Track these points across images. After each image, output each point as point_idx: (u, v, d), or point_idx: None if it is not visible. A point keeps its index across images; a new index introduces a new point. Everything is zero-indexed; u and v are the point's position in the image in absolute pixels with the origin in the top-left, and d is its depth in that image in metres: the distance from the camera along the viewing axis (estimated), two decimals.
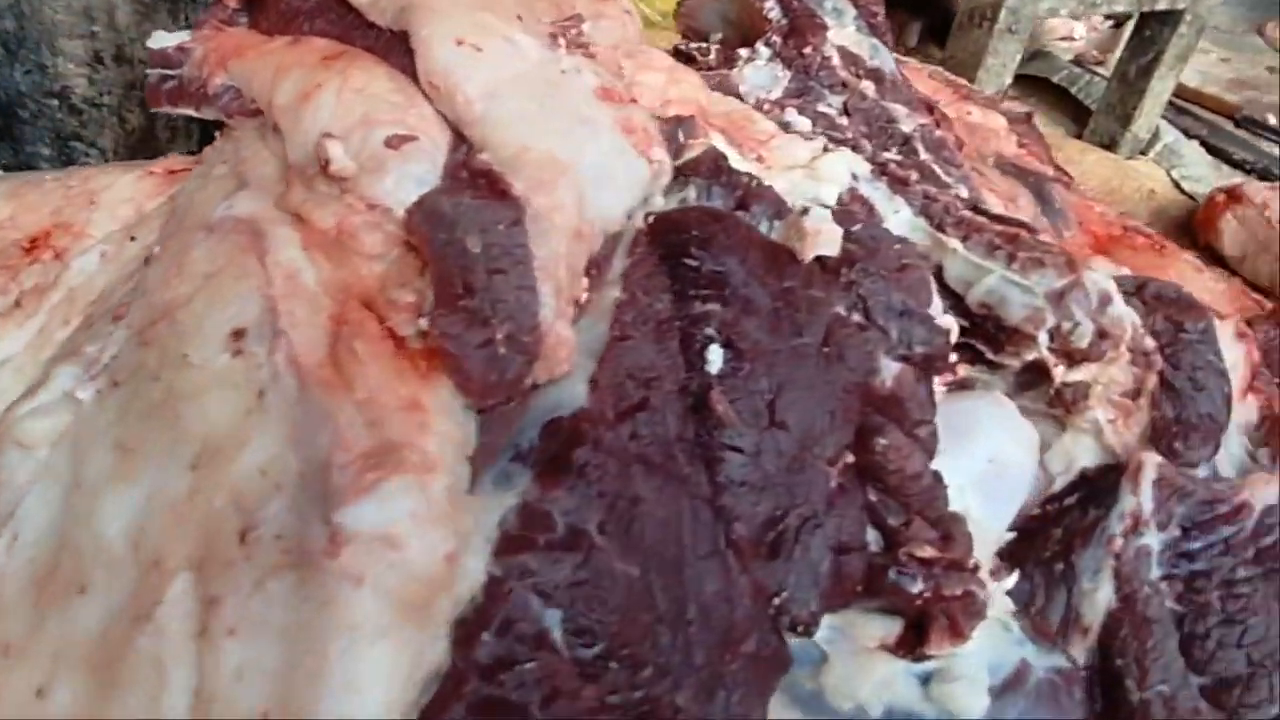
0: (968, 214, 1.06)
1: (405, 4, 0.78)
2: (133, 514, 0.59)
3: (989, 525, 0.90)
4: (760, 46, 1.30)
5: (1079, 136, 2.22)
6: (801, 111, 1.19)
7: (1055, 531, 0.99)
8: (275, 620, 0.54)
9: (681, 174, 0.91)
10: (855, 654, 0.83)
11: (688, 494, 0.71)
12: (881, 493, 0.83)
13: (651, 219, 0.84)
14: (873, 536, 0.83)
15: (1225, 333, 1.08)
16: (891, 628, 0.84)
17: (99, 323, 0.75)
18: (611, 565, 0.63)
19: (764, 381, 0.77)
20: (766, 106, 1.20)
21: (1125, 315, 0.97)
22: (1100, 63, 2.53)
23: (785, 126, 1.17)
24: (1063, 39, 2.72)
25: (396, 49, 0.78)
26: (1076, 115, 2.33)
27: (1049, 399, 1.02)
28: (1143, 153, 2.16)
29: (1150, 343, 0.99)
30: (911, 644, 0.82)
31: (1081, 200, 1.50)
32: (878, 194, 1.09)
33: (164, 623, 0.55)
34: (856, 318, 0.87)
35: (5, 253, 0.82)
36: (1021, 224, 1.08)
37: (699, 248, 0.82)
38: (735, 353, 0.77)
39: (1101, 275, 0.98)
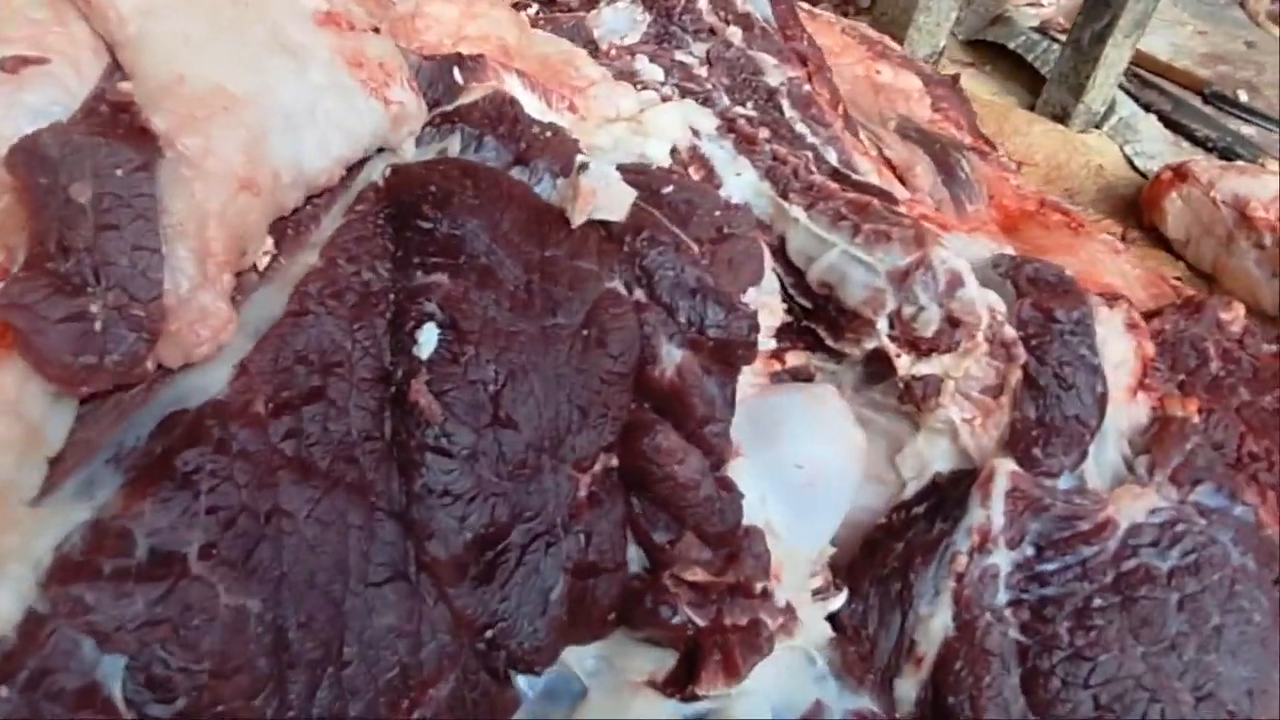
0: (819, 179, 0.93)
1: None
2: None
3: (799, 541, 0.77)
4: None
5: (1032, 108, 2.07)
6: (654, 59, 1.05)
7: (897, 546, 0.86)
8: None
9: (448, 121, 0.77)
10: (618, 689, 0.70)
11: (366, 505, 0.58)
12: (649, 503, 0.69)
13: (389, 172, 0.71)
14: (636, 555, 0.70)
15: (1113, 322, 0.94)
16: (663, 661, 0.71)
17: None
18: (212, 599, 0.50)
19: (490, 369, 0.64)
20: (614, 53, 1.06)
21: (979, 300, 0.83)
22: (1065, 30, 2.37)
23: (631, 75, 1.03)
24: (1030, 3, 2.56)
25: None
26: (1034, 85, 2.18)
27: (899, 394, 0.89)
28: (1097, 126, 2.01)
29: (1011, 333, 0.85)
30: (681, 681, 0.70)
31: (997, 173, 1.35)
32: (720, 153, 0.95)
33: None
34: (639, 294, 0.73)
35: None
36: (880, 192, 0.94)
37: (435, 207, 0.68)
38: (457, 334, 0.64)
39: (952, 254, 0.84)
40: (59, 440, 0.52)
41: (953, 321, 0.83)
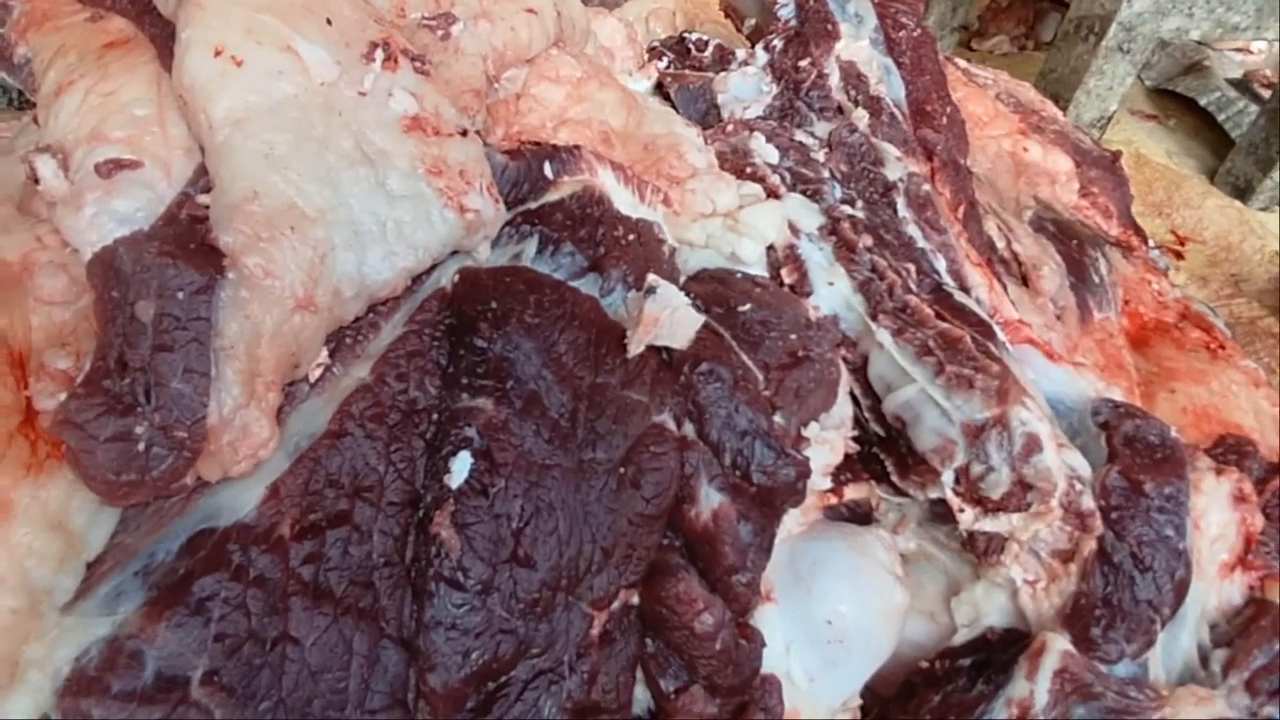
0: (914, 301, 0.89)
1: None
2: None
3: (820, 694, 0.76)
4: (759, 51, 1.13)
5: (1213, 176, 1.91)
6: (772, 138, 1.02)
7: (933, 697, 0.83)
8: None
9: (528, 221, 0.77)
10: None
11: (374, 631, 0.60)
12: (663, 646, 0.69)
13: (456, 279, 0.72)
14: (644, 695, 0.70)
15: (1218, 493, 0.87)
16: None
17: None
18: None
19: (517, 504, 0.64)
20: (732, 127, 1.03)
21: (1056, 468, 0.78)
22: (1271, 86, 2.17)
23: (745, 154, 1.00)
24: (1238, 49, 2.35)
25: (171, 46, 0.67)
26: (1219, 149, 2.01)
27: (963, 541, 0.85)
28: None
29: (1090, 503, 0.80)
30: None
31: (1140, 274, 1.26)
32: (817, 256, 0.92)
33: None
34: (688, 429, 0.72)
35: None
36: (978, 321, 0.89)
37: (493, 326, 0.69)
38: (489, 465, 0.65)
39: (1034, 416, 0.79)
40: (99, 544, 0.56)
41: (1024, 486, 0.79)
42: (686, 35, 1.23)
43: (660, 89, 1.14)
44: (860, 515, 0.86)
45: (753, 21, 1.35)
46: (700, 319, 0.74)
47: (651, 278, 0.74)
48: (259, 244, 0.59)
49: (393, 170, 0.67)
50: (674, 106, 1.10)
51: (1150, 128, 2.01)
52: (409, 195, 0.67)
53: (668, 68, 1.16)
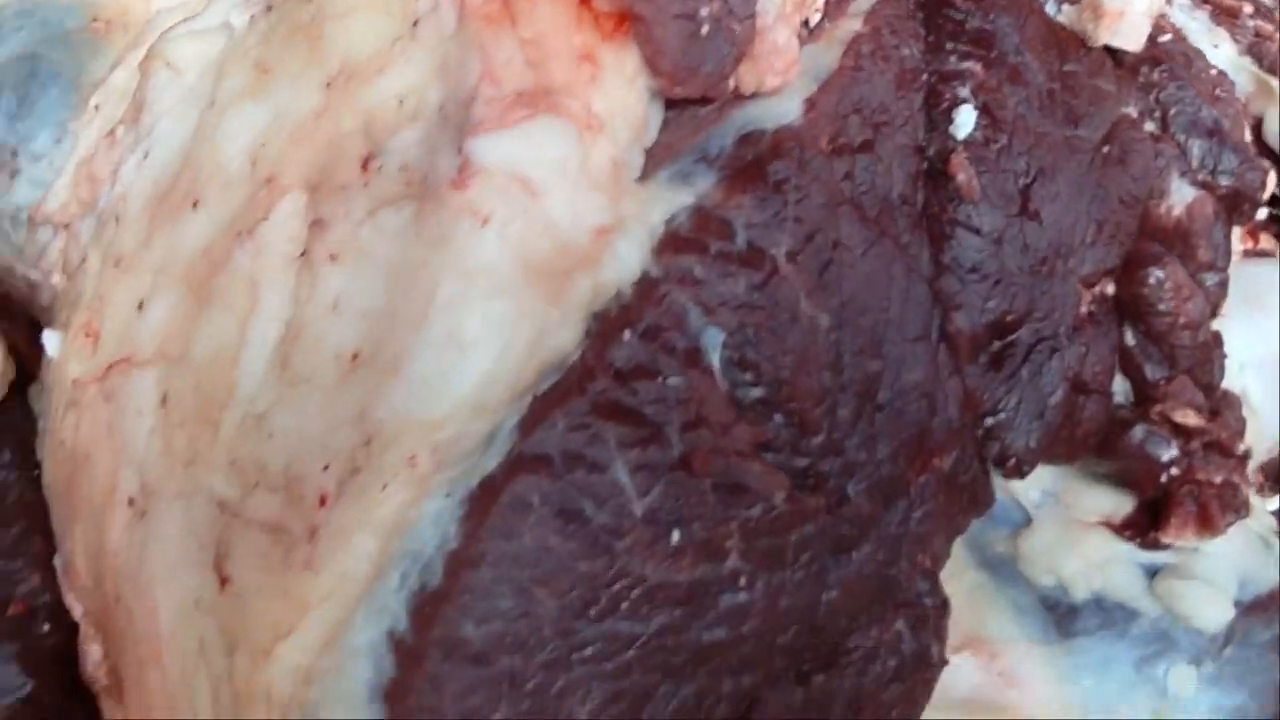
0: None
1: None
2: (257, 131, 0.51)
3: (1266, 421, 0.72)
4: None
5: None
6: None
7: None
8: (382, 254, 0.45)
9: None
10: (1067, 525, 0.67)
11: (905, 262, 0.58)
12: (1143, 336, 0.66)
13: None
14: (1121, 388, 0.67)
15: None
16: (1119, 504, 0.68)
17: None
18: (795, 301, 0.51)
19: (1021, 162, 0.62)
20: None
21: None
22: None
23: None
24: None
25: None
26: None
27: None
28: None
29: None
30: (1143, 526, 0.66)
31: None
32: (1193, 24, 0.88)
33: (266, 240, 0.47)
34: (1150, 127, 0.69)
35: None
36: None
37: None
38: (991, 121, 0.62)
39: None
40: (653, 136, 0.54)
41: None
42: None
43: None
44: None
45: None
46: (1149, 25, 0.71)
47: None
48: None
49: None
50: None
51: None
52: None
53: None
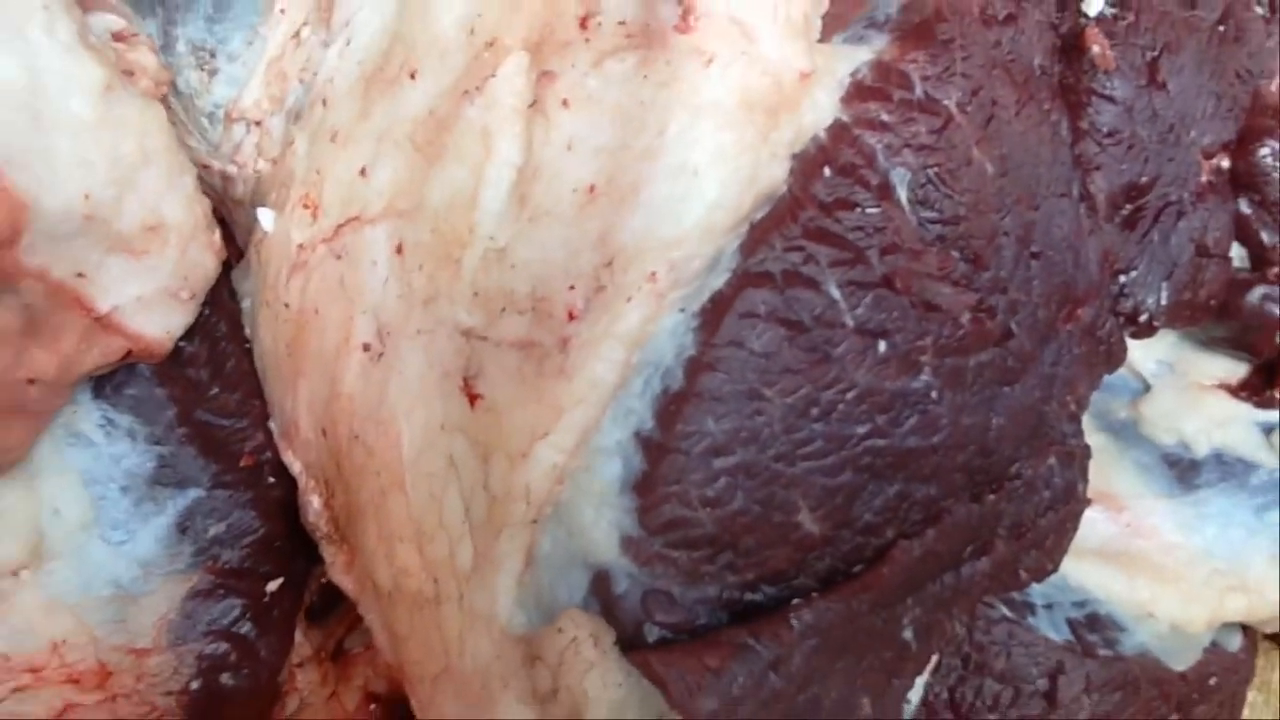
0: None
1: None
2: (468, 7, 0.56)
3: None
4: None
5: None
6: None
7: None
8: (611, 98, 0.50)
9: None
10: (1185, 389, 0.72)
11: (1049, 125, 0.62)
12: (1257, 205, 0.70)
13: None
14: (1237, 254, 0.71)
15: None
16: (1235, 369, 0.72)
17: None
18: (968, 147, 0.55)
19: (1148, 37, 0.66)
20: None
21: None
22: None
23: None
24: None
25: None
26: None
27: None
28: None
29: None
30: (1258, 387, 0.71)
31: None
32: None
33: (496, 95, 0.52)
34: (1259, 10, 0.74)
35: None
36: None
37: None
38: (1120, 1, 0.66)
39: None
40: (824, 6, 0.58)
41: None
42: None
43: None
44: None
45: None
46: None
47: None
48: None
49: None
50: None
51: None
52: None
53: None
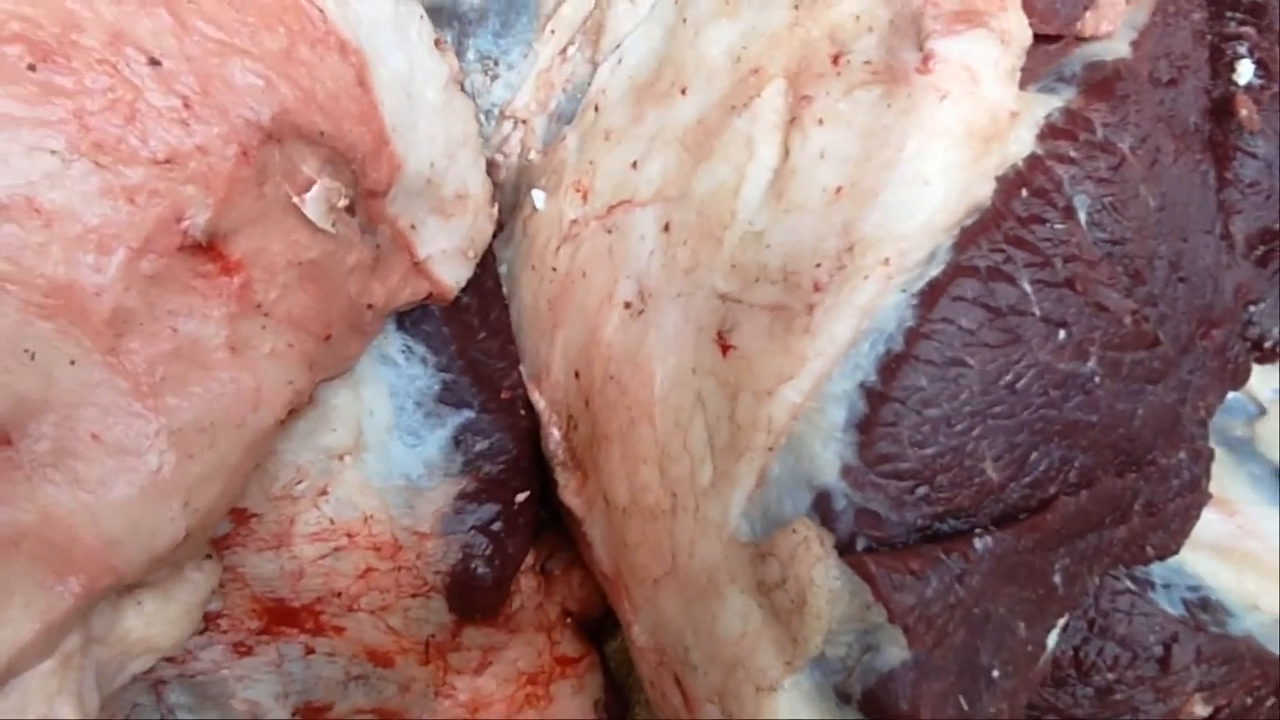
0: None
1: None
2: (733, 39, 0.70)
3: None
4: None
5: None
6: None
7: None
8: (859, 120, 0.63)
9: None
10: None
11: (1200, 174, 0.74)
12: None
13: None
14: None
15: None
16: None
17: None
18: (1136, 183, 0.67)
19: None
20: None
21: None
22: None
23: None
24: None
25: None
26: None
27: None
28: None
29: None
30: None
31: None
32: None
33: (759, 111, 0.65)
34: None
35: None
36: None
37: None
38: (1265, 72, 0.78)
39: None
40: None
41: None
42: None
43: None
44: None
45: None
46: None
47: None
48: None
49: None
50: None
51: None
52: None
53: None
